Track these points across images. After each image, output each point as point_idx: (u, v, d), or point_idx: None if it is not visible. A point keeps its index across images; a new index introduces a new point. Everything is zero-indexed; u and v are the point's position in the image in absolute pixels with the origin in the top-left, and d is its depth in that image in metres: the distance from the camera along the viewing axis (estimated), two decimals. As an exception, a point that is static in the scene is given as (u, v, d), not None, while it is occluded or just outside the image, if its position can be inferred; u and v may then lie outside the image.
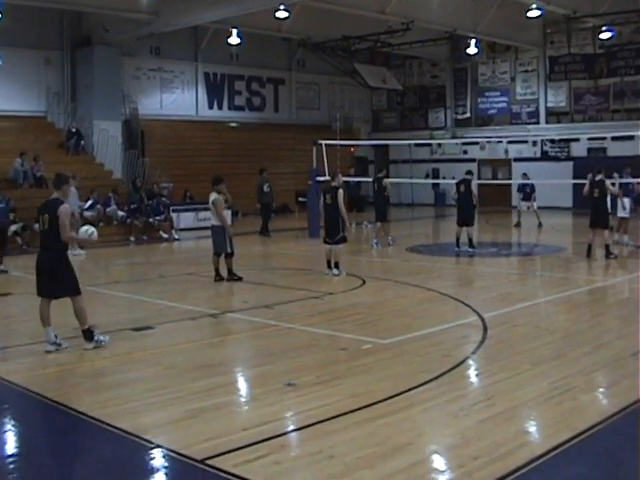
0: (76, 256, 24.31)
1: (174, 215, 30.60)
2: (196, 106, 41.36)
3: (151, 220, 29.52)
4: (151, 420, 8.16)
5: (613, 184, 22.06)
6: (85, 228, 12.13)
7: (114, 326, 12.44)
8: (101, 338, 11.50)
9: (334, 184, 19.08)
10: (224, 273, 17.81)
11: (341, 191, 18.76)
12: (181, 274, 19.55)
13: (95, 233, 11.92)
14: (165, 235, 29.17)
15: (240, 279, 17.73)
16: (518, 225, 31.68)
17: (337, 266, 18.53)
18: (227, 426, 7.88)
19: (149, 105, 38.61)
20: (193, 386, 9.30)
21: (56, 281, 11.29)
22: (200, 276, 18.70)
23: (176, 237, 29.15)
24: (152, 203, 30.03)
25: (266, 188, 29.52)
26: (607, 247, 21.21)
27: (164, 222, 29.67)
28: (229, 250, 17.80)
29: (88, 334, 11.39)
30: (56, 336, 11.22)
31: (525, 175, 33.21)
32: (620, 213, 24.03)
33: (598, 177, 21.43)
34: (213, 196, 17.77)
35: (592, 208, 21.70)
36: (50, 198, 11.52)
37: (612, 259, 20.97)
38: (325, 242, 18.85)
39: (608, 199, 22.13)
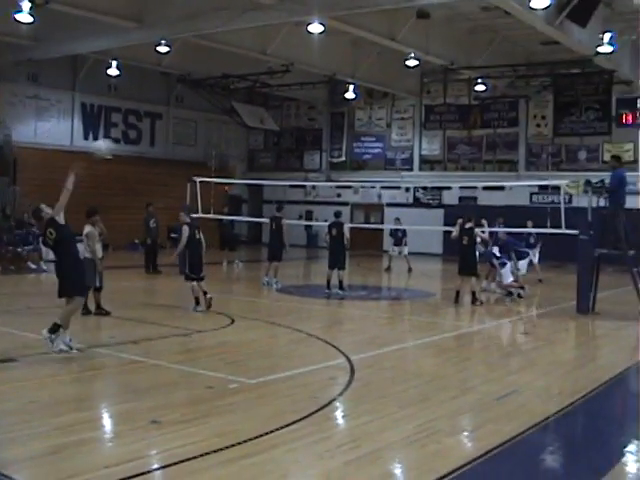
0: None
1: (43, 246, 30.03)
2: (71, 136, 40.78)
3: (19, 250, 28.95)
4: (11, 455, 7.96)
5: (483, 232, 22.57)
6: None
7: (-24, 357, 12.15)
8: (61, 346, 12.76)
9: (188, 220, 19.80)
10: (92, 307, 17.58)
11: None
12: (49, 306, 19.11)
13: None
14: (33, 266, 28.59)
15: (108, 314, 17.52)
16: (388, 269, 32.09)
17: (198, 302, 18.99)
18: (89, 463, 7.72)
19: (23, 132, 37.93)
20: (56, 421, 9.11)
21: None
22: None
23: (44, 268, 28.57)
24: (21, 233, 29.43)
25: (152, 223, 29.09)
26: (474, 294, 21.64)
27: (33, 252, 29.10)
28: (98, 284, 17.59)
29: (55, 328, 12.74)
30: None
31: (398, 220, 33.70)
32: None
33: (468, 225, 21.90)
34: (87, 229, 17.52)
35: (460, 255, 22.24)
36: None
37: (478, 306, 21.42)
38: (190, 278, 19.11)
39: (477, 247, 22.67)
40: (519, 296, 23.47)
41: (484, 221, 23.07)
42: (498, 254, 23.91)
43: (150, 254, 28.83)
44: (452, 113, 43.97)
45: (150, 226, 28.97)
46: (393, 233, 32.97)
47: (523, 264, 24.46)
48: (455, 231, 22.44)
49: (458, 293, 21.81)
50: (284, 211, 27.21)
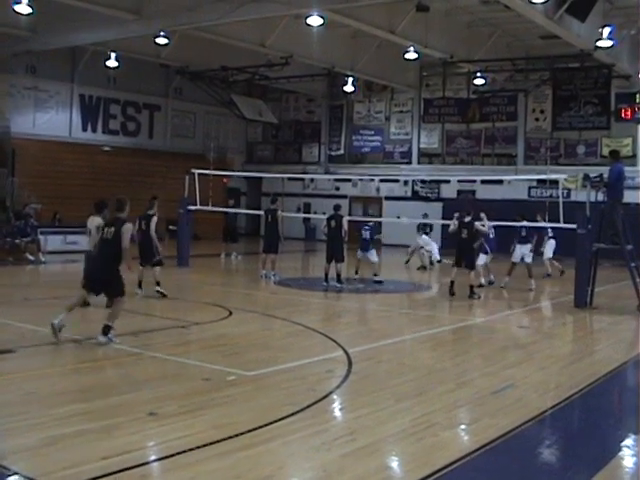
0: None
1: (42, 237, 29.97)
2: (70, 127, 40.79)
3: (17, 241, 28.90)
4: (9, 446, 7.95)
5: (483, 225, 22.55)
6: None
7: (-27, 348, 12.15)
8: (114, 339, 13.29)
9: (151, 212, 20.72)
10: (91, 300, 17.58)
11: (155, 218, 20.40)
12: (46, 298, 19.17)
13: None
14: (31, 257, 28.53)
15: (110, 306, 17.50)
16: (408, 263, 31.75)
17: (158, 284, 20.04)
18: (87, 454, 7.71)
19: (22, 124, 37.89)
20: (53, 413, 9.11)
21: None
22: (66, 300, 18.36)
23: (42, 260, 28.54)
24: (19, 224, 29.37)
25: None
26: (471, 288, 21.65)
27: (31, 244, 29.03)
28: None
29: (106, 329, 13.29)
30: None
31: (426, 215, 33.29)
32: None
33: (467, 219, 21.92)
34: (98, 221, 17.44)
35: (458, 248, 22.28)
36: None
37: (476, 299, 21.42)
38: (140, 264, 20.04)
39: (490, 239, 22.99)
40: (490, 283, 24.73)
41: (483, 214, 23.07)
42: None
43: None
44: (451, 106, 44.01)
45: None
46: (422, 227, 32.22)
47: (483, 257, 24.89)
48: (452, 224, 22.51)
49: (453, 284, 21.90)
50: (279, 203, 27.09)
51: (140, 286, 19.95)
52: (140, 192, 31.58)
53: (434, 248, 31.11)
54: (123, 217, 14.02)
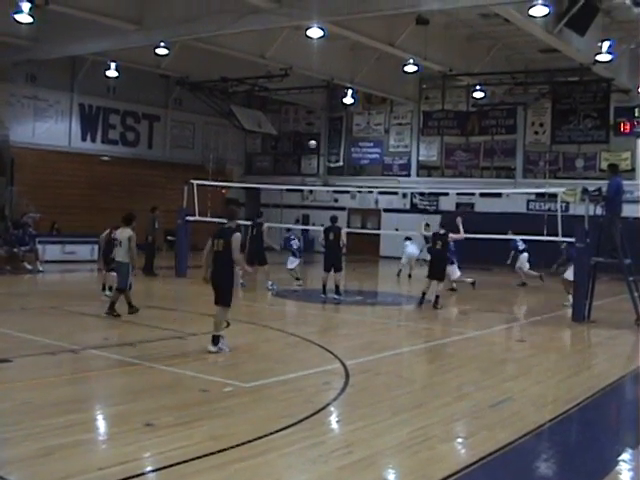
0: None
1: (40, 246, 29.94)
2: (69, 137, 40.78)
3: (15, 250, 28.86)
4: (4, 456, 7.93)
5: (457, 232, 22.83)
6: None
7: (-30, 357, 12.11)
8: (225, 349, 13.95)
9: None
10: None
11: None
12: (44, 307, 19.14)
13: None
14: (29, 266, 28.50)
15: (119, 316, 17.49)
16: (400, 274, 31.92)
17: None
18: (83, 465, 7.69)
19: (21, 133, 37.91)
20: (49, 423, 9.07)
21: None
22: (63, 310, 18.36)
23: (40, 269, 28.50)
24: (18, 233, 29.32)
25: (157, 225, 29.38)
26: (437, 298, 22.01)
27: (29, 253, 29.00)
28: (129, 287, 17.81)
29: (216, 339, 13.90)
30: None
31: (427, 225, 33.40)
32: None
33: (442, 231, 22.30)
34: (129, 233, 17.63)
35: (432, 259, 22.68)
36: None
37: (439, 309, 21.85)
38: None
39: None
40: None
41: (459, 219, 23.19)
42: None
43: (150, 256, 28.86)
44: (450, 119, 44.09)
45: (155, 227, 29.18)
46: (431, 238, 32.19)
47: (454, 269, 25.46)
48: (422, 230, 23.65)
49: (424, 295, 22.27)
50: (264, 217, 27.38)
51: (104, 289, 20.70)
52: (139, 202, 31.60)
53: (408, 254, 31.54)
54: (233, 227, 14.18)
